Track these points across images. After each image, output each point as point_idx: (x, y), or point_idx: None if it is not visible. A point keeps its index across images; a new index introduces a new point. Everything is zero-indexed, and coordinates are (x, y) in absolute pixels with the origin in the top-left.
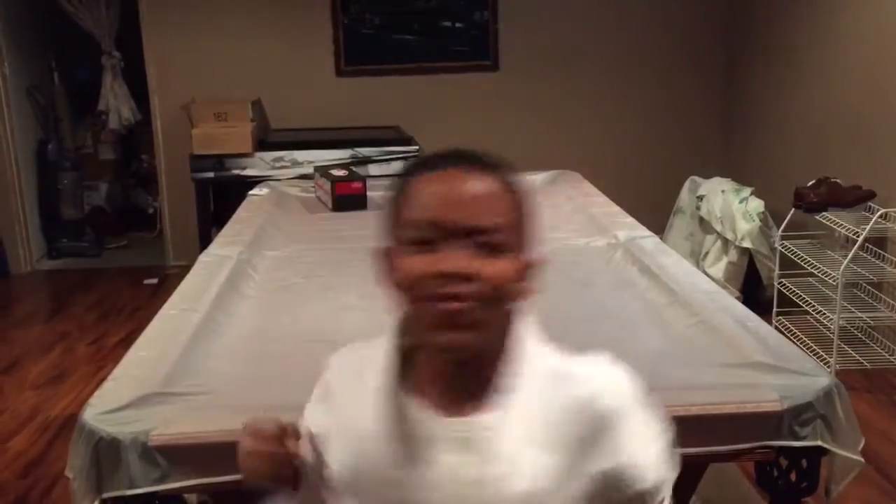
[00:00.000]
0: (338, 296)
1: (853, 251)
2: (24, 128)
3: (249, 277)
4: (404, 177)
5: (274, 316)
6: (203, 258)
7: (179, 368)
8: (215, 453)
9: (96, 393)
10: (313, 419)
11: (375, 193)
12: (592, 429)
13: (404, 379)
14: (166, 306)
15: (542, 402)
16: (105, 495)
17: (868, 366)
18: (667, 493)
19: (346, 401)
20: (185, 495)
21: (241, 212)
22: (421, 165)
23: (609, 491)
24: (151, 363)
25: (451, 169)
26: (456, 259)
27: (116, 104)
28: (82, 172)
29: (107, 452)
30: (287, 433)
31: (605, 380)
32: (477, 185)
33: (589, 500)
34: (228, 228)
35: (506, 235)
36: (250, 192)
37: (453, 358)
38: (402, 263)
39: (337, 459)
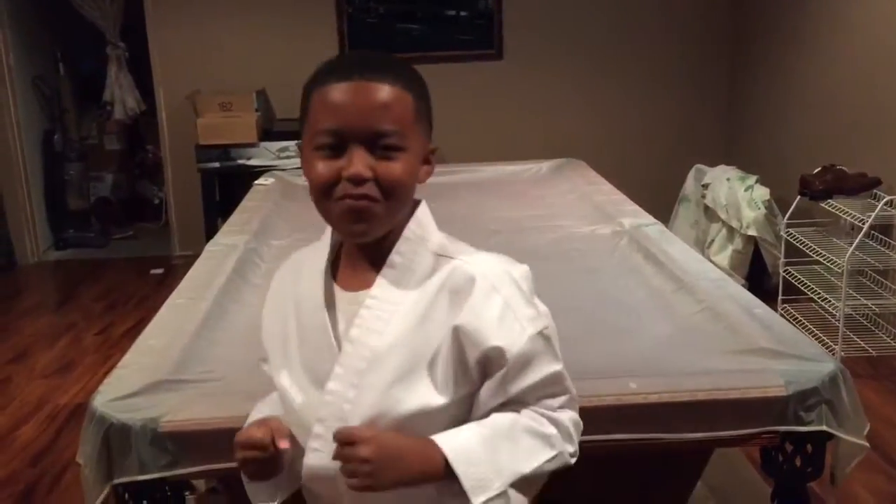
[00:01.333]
0: None
1: (859, 238)
2: (29, 118)
3: (256, 266)
4: (313, 84)
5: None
6: (210, 247)
7: (188, 356)
8: (225, 439)
9: (106, 380)
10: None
11: None
12: (457, 291)
13: (333, 265)
14: (174, 295)
15: (421, 273)
16: (116, 481)
17: (873, 353)
18: (549, 385)
19: (285, 289)
20: (195, 481)
21: (247, 201)
22: (327, 73)
23: (464, 351)
24: (160, 351)
25: (354, 78)
26: (356, 164)
27: (122, 95)
28: (88, 163)
29: (117, 439)
30: (274, 434)
31: (479, 258)
32: (374, 94)
33: (452, 360)
34: (235, 218)
35: (400, 138)
36: (256, 182)
37: (357, 242)
38: (312, 168)
39: (271, 332)
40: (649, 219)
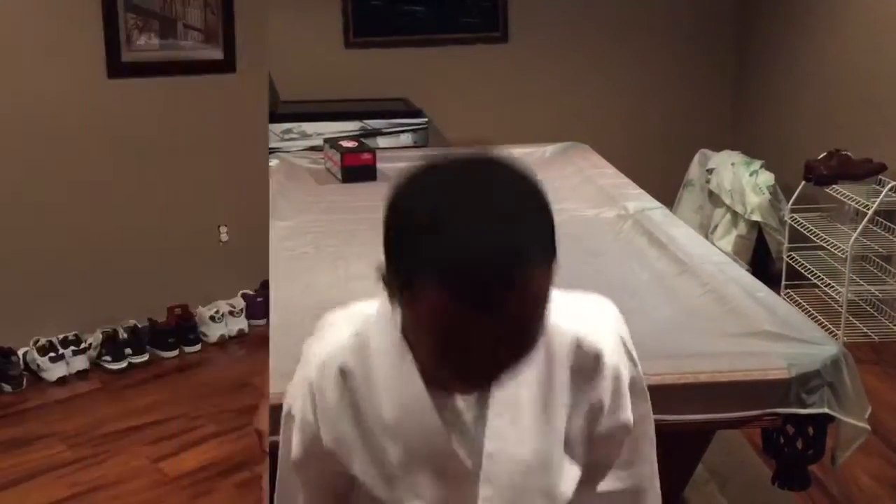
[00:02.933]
0: (347, 265)
1: (863, 224)
2: None
3: None
4: (414, 270)
5: (285, 284)
6: None
7: None
8: None
9: None
10: (321, 435)
11: (384, 165)
12: (582, 370)
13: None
14: None
15: (544, 357)
16: None
17: (876, 338)
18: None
19: (355, 402)
20: None
21: None
22: (426, 262)
23: (594, 424)
24: None
25: (479, 300)
26: (486, 369)
27: None
28: None
29: None
30: None
31: (588, 319)
32: (513, 310)
33: (586, 435)
34: None
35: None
36: None
37: None
38: (429, 359)
39: (360, 466)
40: (654, 202)
